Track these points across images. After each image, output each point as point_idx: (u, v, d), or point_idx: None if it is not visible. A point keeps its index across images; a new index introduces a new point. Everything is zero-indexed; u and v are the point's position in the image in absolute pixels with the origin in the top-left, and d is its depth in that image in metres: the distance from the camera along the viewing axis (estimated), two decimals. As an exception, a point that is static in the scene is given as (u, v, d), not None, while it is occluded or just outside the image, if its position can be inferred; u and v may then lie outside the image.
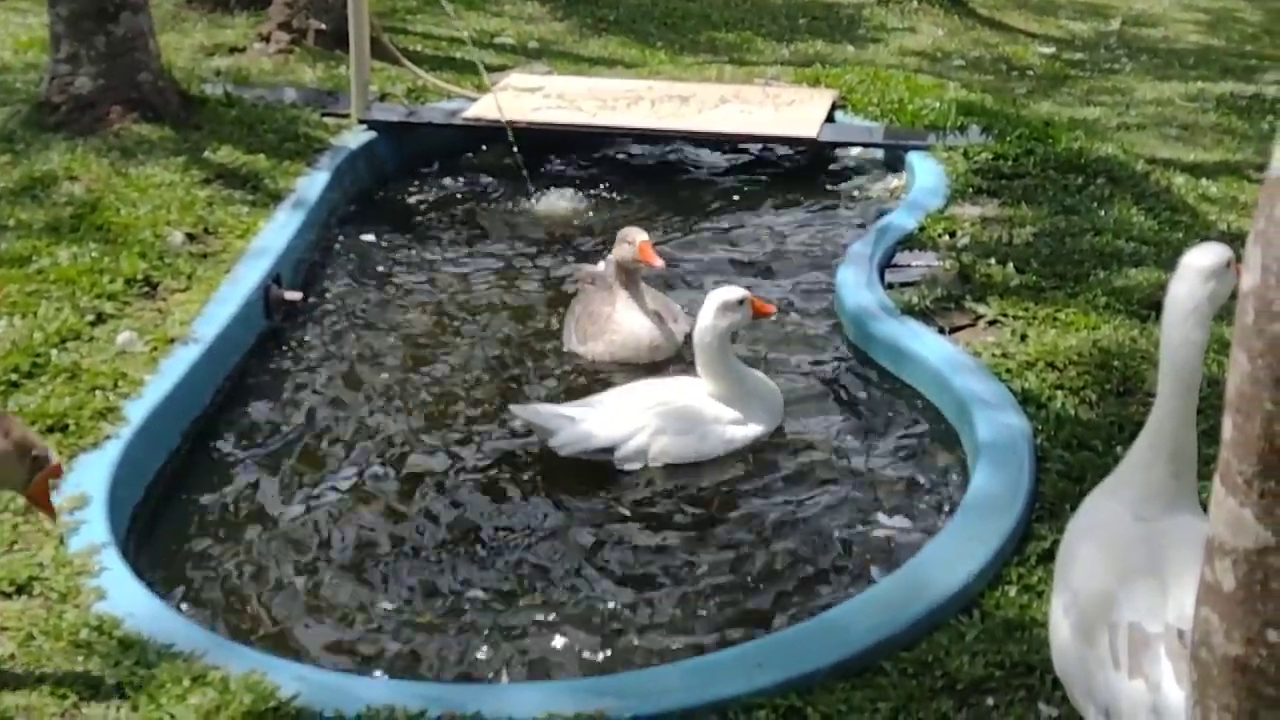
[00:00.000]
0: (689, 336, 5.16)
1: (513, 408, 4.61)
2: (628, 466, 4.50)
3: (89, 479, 3.99)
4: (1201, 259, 2.69)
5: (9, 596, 3.52)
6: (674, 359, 5.20)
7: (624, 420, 4.53)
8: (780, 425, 4.72)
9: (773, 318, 5.05)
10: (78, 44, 6.71)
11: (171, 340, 4.84)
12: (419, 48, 9.19)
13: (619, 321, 5.17)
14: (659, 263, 5.19)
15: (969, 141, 7.05)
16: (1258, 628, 1.81)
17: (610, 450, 4.51)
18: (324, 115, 7.39)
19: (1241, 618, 1.83)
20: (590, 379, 5.12)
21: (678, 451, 4.53)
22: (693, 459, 4.54)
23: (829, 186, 7.28)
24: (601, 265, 5.61)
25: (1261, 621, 1.81)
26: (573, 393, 4.98)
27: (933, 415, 4.76)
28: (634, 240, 5.17)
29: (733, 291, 4.68)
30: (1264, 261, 1.70)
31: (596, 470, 4.49)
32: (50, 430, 4.21)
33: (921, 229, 6.00)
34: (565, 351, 5.28)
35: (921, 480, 4.43)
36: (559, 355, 5.29)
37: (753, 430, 4.63)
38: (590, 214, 6.86)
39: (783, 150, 7.59)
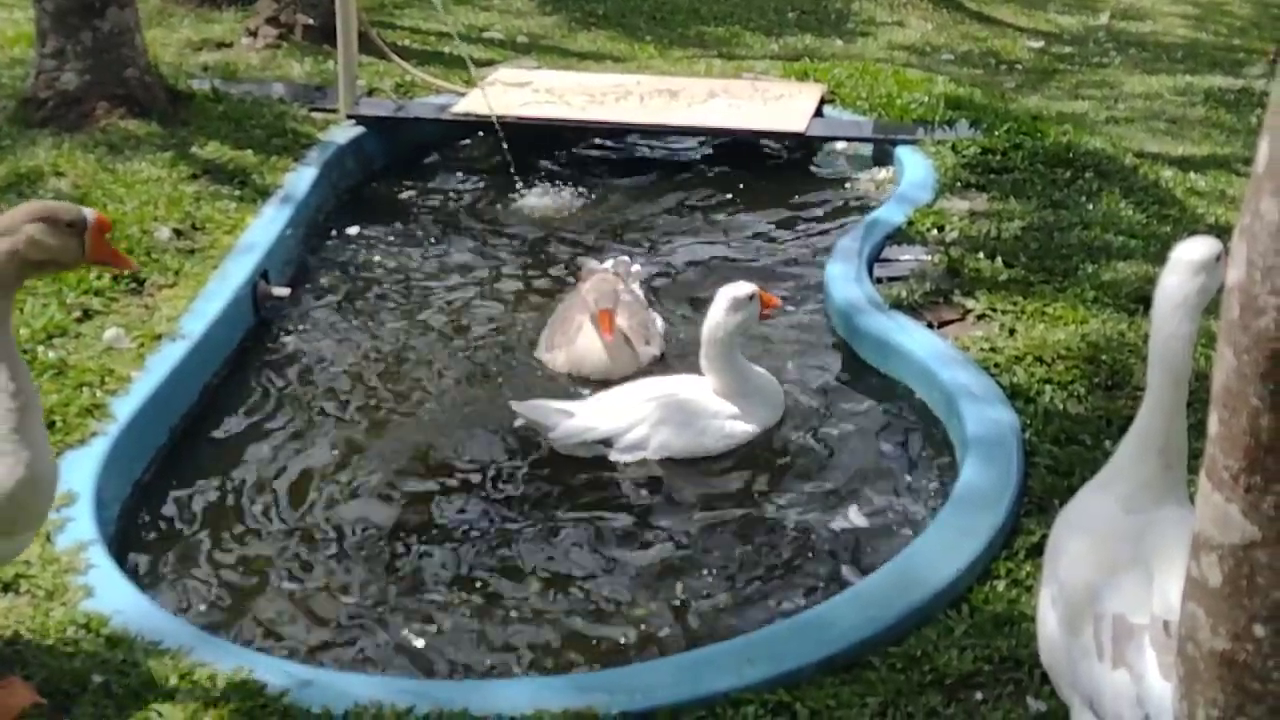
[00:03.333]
0: (663, 355, 5.11)
1: (513, 404, 4.60)
2: (626, 459, 4.49)
3: (76, 476, 3.97)
4: (1192, 252, 2.69)
5: (-5, 594, 3.51)
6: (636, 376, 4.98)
7: (622, 414, 4.52)
8: (780, 421, 4.70)
9: (781, 308, 5.02)
10: (64, 39, 6.69)
11: (159, 337, 4.83)
12: (407, 42, 9.18)
13: (581, 335, 5.02)
14: (608, 338, 4.94)
15: (957, 136, 7.05)
16: (1244, 622, 1.82)
17: (608, 443, 4.50)
18: (312, 110, 7.37)
19: (1228, 613, 1.83)
20: (567, 380, 5.07)
21: (677, 445, 4.51)
22: (691, 453, 4.53)
23: (816, 181, 7.28)
24: (609, 263, 5.55)
25: (1248, 616, 1.81)
26: (556, 390, 4.96)
27: (921, 410, 4.76)
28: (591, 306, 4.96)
29: (743, 287, 4.64)
30: (1249, 256, 1.70)
31: (594, 466, 4.49)
32: (37, 427, 4.19)
33: (910, 223, 6.00)
34: (535, 357, 5.19)
35: (909, 475, 4.43)
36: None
37: (752, 426, 4.62)
38: (578, 209, 6.85)
39: (771, 144, 7.58)
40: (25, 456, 2.87)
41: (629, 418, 4.51)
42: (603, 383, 4.93)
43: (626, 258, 5.68)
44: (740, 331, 4.63)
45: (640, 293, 5.45)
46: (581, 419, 4.50)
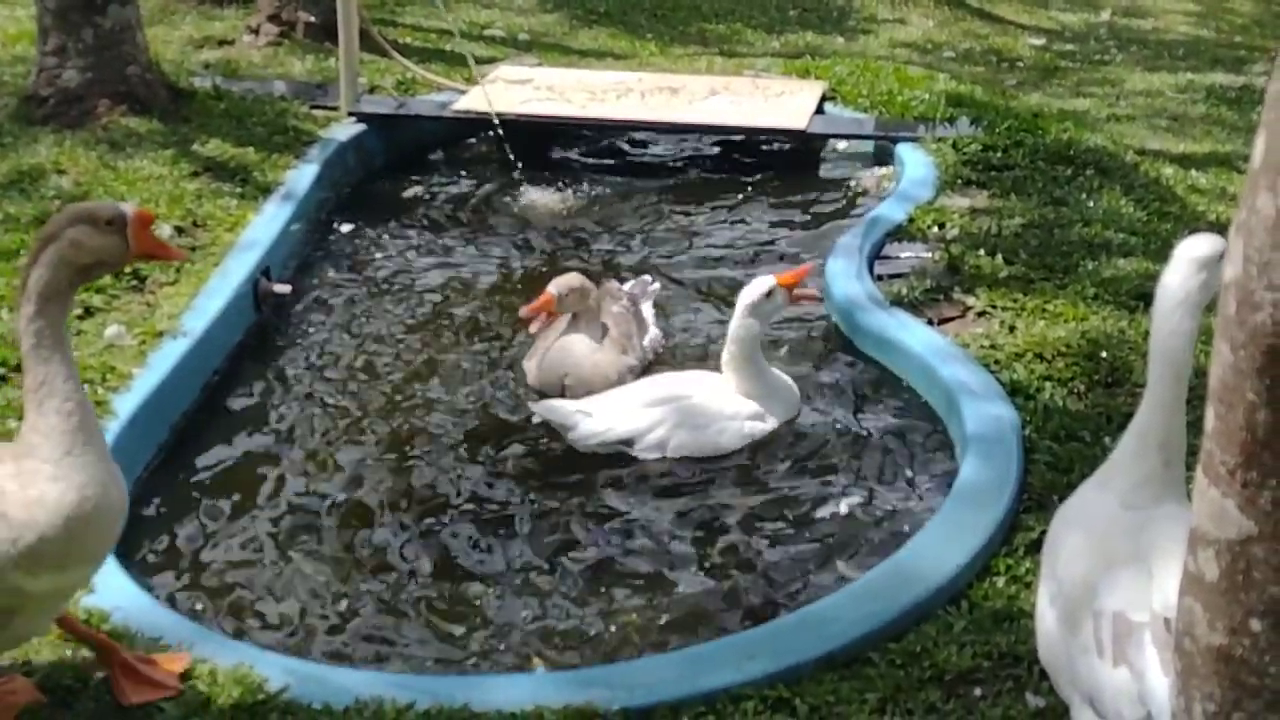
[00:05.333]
0: (645, 367, 5.06)
1: (531, 404, 4.60)
2: (645, 458, 4.50)
3: (77, 473, 3.97)
4: (1194, 249, 2.69)
5: (-3, 590, 3.51)
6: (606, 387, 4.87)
7: (642, 415, 4.52)
8: (794, 420, 4.70)
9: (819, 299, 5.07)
10: (65, 37, 6.70)
11: (160, 334, 4.83)
12: (408, 40, 9.18)
13: (548, 347, 4.95)
14: (533, 329, 4.91)
15: (958, 133, 7.04)
16: (1241, 617, 1.82)
17: (628, 443, 4.50)
18: (313, 108, 7.38)
19: (1224, 608, 1.83)
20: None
21: (695, 446, 4.52)
22: (709, 453, 4.53)
23: (817, 178, 7.28)
24: (630, 284, 5.50)
25: (1244, 611, 1.81)
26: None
27: (921, 406, 4.76)
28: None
29: (759, 286, 4.64)
30: (1245, 252, 1.70)
31: (599, 460, 4.50)
32: (38, 424, 4.20)
33: (911, 220, 6.00)
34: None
35: (909, 471, 4.44)
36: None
37: (770, 425, 4.62)
38: (579, 206, 6.85)
39: (772, 142, 7.58)
40: (78, 482, 2.71)
41: (648, 419, 4.51)
42: (566, 392, 4.85)
43: (648, 277, 5.66)
44: (764, 326, 4.65)
45: (649, 311, 5.37)
46: (601, 419, 4.51)
